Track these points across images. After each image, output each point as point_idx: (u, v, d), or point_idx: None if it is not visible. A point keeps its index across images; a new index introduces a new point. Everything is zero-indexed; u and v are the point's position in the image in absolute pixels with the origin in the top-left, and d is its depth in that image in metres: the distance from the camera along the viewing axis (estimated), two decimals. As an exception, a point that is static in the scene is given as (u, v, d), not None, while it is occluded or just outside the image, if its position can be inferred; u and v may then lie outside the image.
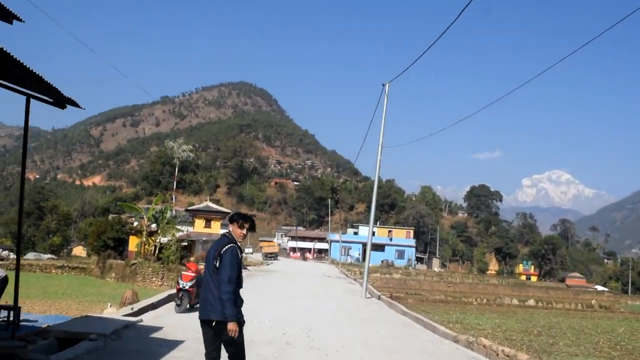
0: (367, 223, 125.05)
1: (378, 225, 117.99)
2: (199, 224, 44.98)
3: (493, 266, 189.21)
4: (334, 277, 47.49)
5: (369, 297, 27.77)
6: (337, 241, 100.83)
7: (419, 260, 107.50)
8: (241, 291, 6.86)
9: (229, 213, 46.89)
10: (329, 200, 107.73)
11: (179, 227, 46.64)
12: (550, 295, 59.49)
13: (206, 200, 46.40)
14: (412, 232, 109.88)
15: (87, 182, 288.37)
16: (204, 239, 41.19)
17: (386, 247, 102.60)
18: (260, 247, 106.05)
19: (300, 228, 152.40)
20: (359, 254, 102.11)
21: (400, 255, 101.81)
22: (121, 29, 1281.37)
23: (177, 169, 56.02)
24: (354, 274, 66.62)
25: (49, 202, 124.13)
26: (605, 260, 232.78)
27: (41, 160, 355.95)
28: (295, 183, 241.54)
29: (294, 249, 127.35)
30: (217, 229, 45.04)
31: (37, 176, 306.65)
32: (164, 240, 43.99)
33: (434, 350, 13.16)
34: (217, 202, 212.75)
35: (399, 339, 14.54)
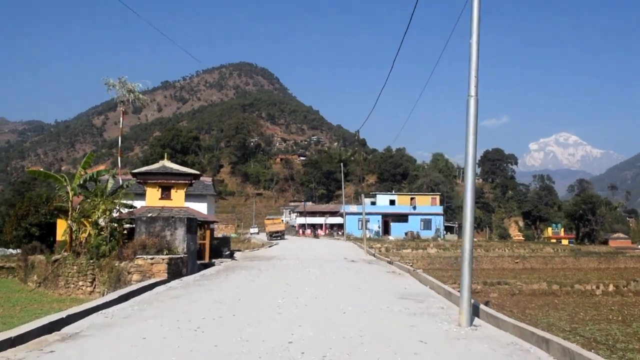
0: (382, 192, 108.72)
1: (396, 192, 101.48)
2: (152, 195, 28.21)
3: (513, 231, 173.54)
4: (362, 262, 30.85)
5: (475, 329, 11.08)
6: (353, 213, 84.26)
7: (447, 229, 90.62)
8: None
9: (197, 175, 30.26)
10: (342, 165, 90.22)
11: (130, 202, 30.25)
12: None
13: (162, 160, 29.65)
14: (437, 198, 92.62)
15: (92, 172, 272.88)
16: (149, 214, 24.58)
17: (410, 217, 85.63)
18: (265, 226, 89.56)
19: (309, 203, 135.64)
20: (379, 227, 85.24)
21: (427, 225, 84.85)
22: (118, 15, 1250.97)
23: (122, 117, 37.56)
24: (383, 252, 50.14)
25: (33, 192, 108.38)
26: (627, 219, 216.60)
27: (44, 153, 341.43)
28: (302, 158, 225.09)
29: (303, 226, 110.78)
30: (180, 200, 28.34)
31: (41, 169, 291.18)
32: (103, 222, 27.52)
33: None
34: (221, 182, 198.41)
35: None
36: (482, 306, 12.69)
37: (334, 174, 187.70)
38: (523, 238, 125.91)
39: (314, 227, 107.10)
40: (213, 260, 29.42)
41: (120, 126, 33.43)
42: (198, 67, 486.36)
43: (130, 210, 28.64)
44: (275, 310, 12.39)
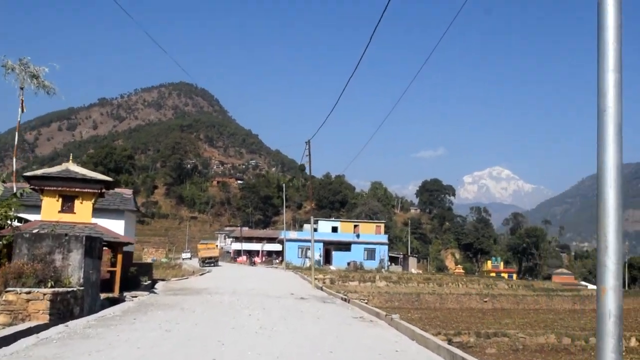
0: (324, 218, 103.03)
1: (339, 220, 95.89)
2: (50, 206, 21.89)
3: (449, 263, 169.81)
4: (315, 300, 24.78)
5: None
6: (293, 240, 78.20)
7: (392, 260, 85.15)
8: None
9: (110, 183, 23.78)
10: (283, 187, 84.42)
11: (21, 215, 23.59)
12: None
13: (67, 162, 23.16)
14: (382, 226, 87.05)
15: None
16: (35, 230, 18.23)
17: (352, 246, 79.68)
18: (198, 250, 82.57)
19: (245, 228, 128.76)
20: (320, 256, 79.00)
21: (371, 255, 79.01)
22: (55, 27, 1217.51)
23: (20, 108, 29.73)
24: (328, 284, 44.27)
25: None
26: (560, 254, 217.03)
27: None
28: (239, 182, 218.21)
29: (239, 252, 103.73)
30: (85, 215, 22.17)
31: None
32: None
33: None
34: (154, 204, 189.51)
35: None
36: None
37: (271, 199, 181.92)
38: (463, 271, 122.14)
39: (250, 253, 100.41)
40: (125, 294, 22.80)
41: (18, 119, 26.43)
42: (137, 84, 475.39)
43: (18, 225, 21.98)
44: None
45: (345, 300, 26.16)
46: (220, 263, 78.99)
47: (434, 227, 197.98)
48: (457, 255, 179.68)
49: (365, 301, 30.73)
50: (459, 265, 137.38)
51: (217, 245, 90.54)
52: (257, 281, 38.05)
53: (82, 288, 16.84)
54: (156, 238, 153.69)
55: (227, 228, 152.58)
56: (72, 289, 16.16)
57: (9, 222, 21.65)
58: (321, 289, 34.59)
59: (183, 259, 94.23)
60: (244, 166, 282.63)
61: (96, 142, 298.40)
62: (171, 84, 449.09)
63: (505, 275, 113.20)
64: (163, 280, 34.64)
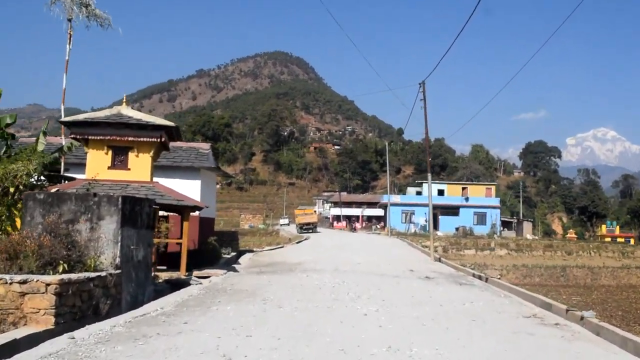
0: (427, 181, 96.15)
1: (446, 182, 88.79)
2: (97, 160, 16.57)
3: (556, 227, 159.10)
4: (445, 280, 18.50)
5: None
6: (397, 204, 72.00)
7: (504, 225, 77.36)
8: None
9: (173, 129, 18.14)
10: (386, 152, 77.83)
11: (74, 175, 18.55)
12: None
13: (121, 105, 17.69)
14: (492, 188, 79.25)
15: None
16: (56, 190, 12.71)
17: (461, 210, 72.60)
18: (295, 216, 77.95)
19: (344, 194, 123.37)
20: (425, 221, 72.49)
21: (481, 219, 71.74)
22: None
23: (68, 44, 25.68)
24: (441, 252, 37.81)
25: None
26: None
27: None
28: (336, 147, 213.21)
29: (338, 217, 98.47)
30: (143, 171, 16.79)
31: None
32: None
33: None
34: (252, 170, 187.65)
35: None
36: None
37: (369, 164, 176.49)
38: (575, 236, 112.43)
39: (349, 219, 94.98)
40: (195, 273, 17.25)
41: (66, 57, 21.14)
42: (233, 55, 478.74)
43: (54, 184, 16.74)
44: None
45: (481, 278, 19.88)
46: (318, 229, 74.29)
47: (539, 190, 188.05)
48: (564, 219, 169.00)
49: (498, 276, 24.42)
50: (571, 230, 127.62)
51: (315, 211, 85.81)
52: (362, 252, 31.93)
53: (117, 272, 11.30)
54: (255, 205, 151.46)
55: (325, 193, 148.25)
56: (97, 274, 10.61)
57: (33, 181, 16.17)
58: (440, 260, 28.39)
59: (281, 225, 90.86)
60: (340, 132, 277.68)
61: (195, 112, 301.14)
62: (266, 54, 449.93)
63: (622, 240, 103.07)
64: (251, 251, 29.23)
